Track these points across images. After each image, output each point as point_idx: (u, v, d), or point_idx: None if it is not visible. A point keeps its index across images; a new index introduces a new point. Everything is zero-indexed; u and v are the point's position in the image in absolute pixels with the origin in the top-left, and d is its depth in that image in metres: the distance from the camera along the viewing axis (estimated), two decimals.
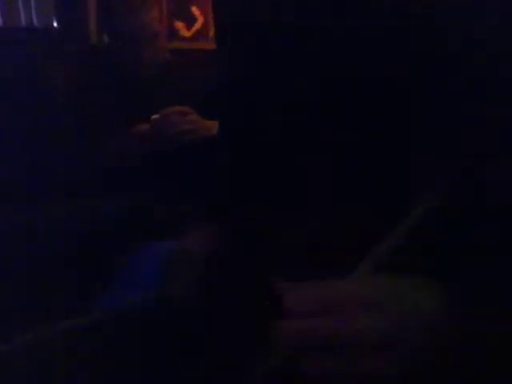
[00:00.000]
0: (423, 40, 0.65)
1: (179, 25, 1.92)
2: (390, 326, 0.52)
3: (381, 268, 0.56)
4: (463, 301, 0.55)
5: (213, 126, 1.44)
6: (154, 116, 1.45)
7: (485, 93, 0.64)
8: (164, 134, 1.40)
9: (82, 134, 1.51)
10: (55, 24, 1.98)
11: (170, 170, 1.41)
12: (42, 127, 1.50)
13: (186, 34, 1.92)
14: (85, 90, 1.57)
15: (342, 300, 0.53)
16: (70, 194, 1.34)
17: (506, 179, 0.63)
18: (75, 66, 1.62)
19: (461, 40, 0.65)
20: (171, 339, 0.90)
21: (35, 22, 2.00)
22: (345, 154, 0.70)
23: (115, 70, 1.59)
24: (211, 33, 1.93)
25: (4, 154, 1.42)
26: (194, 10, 1.92)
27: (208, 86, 1.48)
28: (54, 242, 1.23)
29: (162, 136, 1.41)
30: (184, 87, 1.54)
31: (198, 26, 1.93)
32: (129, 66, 1.57)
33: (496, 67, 0.65)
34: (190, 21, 1.92)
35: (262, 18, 0.91)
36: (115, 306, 1.05)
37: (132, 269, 1.14)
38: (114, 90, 1.56)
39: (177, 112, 1.44)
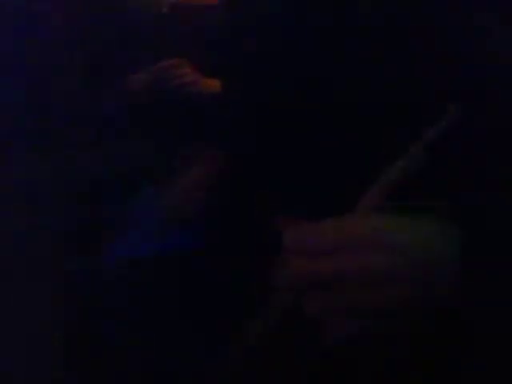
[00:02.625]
0: None
1: None
2: (391, 261, 0.50)
3: (387, 204, 0.55)
4: (476, 247, 0.52)
5: (211, 84, 1.44)
6: (149, 69, 1.46)
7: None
8: (164, 84, 1.41)
9: (83, 82, 1.51)
10: None
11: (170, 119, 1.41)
12: (44, 80, 1.50)
13: None
14: (85, 42, 1.57)
15: (343, 236, 0.52)
16: (72, 142, 1.35)
17: None
18: (77, 16, 1.61)
19: None
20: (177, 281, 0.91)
21: None
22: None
23: (115, 24, 1.59)
24: None
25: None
26: None
27: (207, 41, 1.48)
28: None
29: (161, 86, 1.41)
30: (182, 42, 1.54)
31: None
32: (128, 20, 1.57)
33: None
34: None
35: None
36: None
37: (135, 215, 1.15)
38: (114, 42, 1.56)
39: (175, 64, 1.44)
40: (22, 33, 1.47)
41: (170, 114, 1.39)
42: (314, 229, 0.53)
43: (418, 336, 0.57)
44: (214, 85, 1.41)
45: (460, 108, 0.56)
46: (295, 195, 0.71)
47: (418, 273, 0.52)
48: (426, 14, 0.68)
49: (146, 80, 1.47)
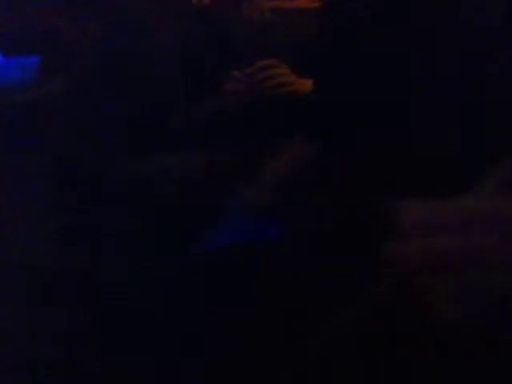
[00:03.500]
0: None
1: None
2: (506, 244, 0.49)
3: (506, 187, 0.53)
4: None
5: (306, 84, 1.48)
6: (248, 70, 1.50)
7: None
8: (259, 86, 1.45)
9: (185, 90, 1.59)
10: None
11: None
12: (147, 86, 1.58)
13: None
14: (188, 51, 1.65)
15: (460, 216, 0.51)
16: (172, 146, 1.42)
17: None
18: (178, 27, 1.70)
19: None
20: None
21: None
22: None
23: (216, 29, 1.66)
24: None
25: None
26: None
27: (305, 45, 1.52)
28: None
29: (256, 89, 1.46)
30: (282, 46, 1.59)
31: None
32: (230, 26, 1.64)
33: None
34: None
35: None
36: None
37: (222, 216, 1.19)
38: (216, 50, 1.63)
39: (269, 65, 1.48)
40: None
41: (266, 111, 1.43)
42: (439, 207, 0.52)
43: None
44: (307, 85, 1.44)
45: None
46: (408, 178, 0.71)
47: None
48: None
49: (245, 80, 1.53)
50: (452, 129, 0.70)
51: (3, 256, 1.13)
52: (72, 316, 1.01)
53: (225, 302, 0.95)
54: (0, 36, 1.71)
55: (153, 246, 1.10)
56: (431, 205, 0.52)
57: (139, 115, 1.47)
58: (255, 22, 1.65)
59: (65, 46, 1.79)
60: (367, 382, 0.65)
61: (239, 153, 1.35)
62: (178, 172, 1.35)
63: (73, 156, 1.35)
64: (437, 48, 0.78)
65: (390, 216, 0.54)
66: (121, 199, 1.22)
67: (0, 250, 1.16)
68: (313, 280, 0.85)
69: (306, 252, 0.88)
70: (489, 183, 0.54)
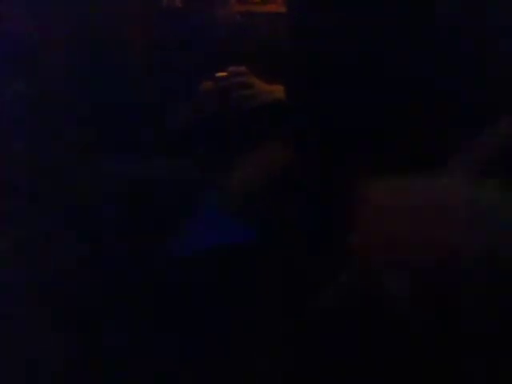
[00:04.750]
0: None
1: None
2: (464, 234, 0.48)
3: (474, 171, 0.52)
4: None
5: (274, 90, 1.48)
6: (219, 74, 1.50)
7: None
8: (226, 93, 1.45)
9: (155, 95, 1.57)
10: None
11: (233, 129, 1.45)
12: (118, 89, 1.57)
13: None
14: (159, 52, 1.64)
15: (424, 200, 0.50)
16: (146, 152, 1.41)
17: None
18: (150, 28, 1.69)
19: None
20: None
21: None
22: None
23: (186, 31, 1.65)
24: None
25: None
26: None
27: (274, 49, 1.52)
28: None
29: (224, 95, 1.46)
30: (253, 49, 1.59)
31: None
32: (201, 28, 1.63)
33: None
34: None
35: None
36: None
37: (197, 218, 1.19)
38: (187, 52, 1.62)
39: (239, 72, 1.48)
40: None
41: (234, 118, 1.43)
42: (404, 188, 0.51)
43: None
44: (277, 90, 1.44)
45: None
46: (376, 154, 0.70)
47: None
48: None
49: (213, 88, 1.53)
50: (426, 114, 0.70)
51: None
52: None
53: (198, 305, 0.95)
54: None
55: (126, 249, 1.09)
56: (398, 185, 0.52)
57: (110, 117, 1.46)
58: (226, 24, 1.65)
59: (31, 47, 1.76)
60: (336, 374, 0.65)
61: (209, 157, 1.35)
62: (148, 175, 1.34)
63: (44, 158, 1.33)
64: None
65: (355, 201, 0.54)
66: (91, 202, 1.20)
67: None
68: (282, 278, 0.85)
69: (278, 254, 0.88)
70: (458, 166, 0.53)
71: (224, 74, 1.52)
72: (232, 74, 1.51)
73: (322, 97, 0.91)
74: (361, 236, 0.54)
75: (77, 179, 1.26)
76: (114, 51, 1.58)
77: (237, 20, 1.68)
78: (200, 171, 1.33)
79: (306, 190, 0.86)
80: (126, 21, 1.64)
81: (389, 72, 0.78)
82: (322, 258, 0.75)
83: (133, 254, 1.10)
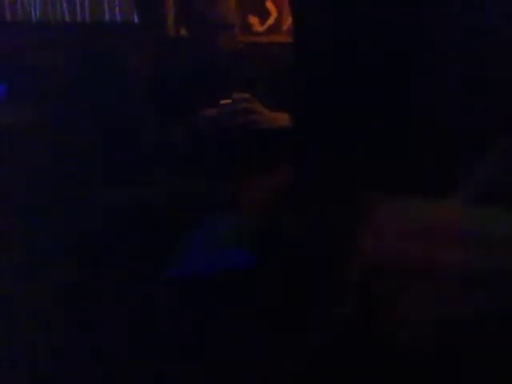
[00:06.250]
0: None
1: (253, 20, 2.00)
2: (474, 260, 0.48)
3: (476, 198, 0.52)
4: None
5: (277, 117, 1.50)
6: (223, 101, 1.52)
7: None
8: (229, 121, 1.47)
9: (157, 120, 1.59)
10: (136, 19, 2.10)
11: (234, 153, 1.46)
12: (121, 114, 1.58)
13: (260, 28, 2.00)
14: (161, 78, 1.65)
15: (426, 224, 0.50)
16: (146, 173, 1.41)
17: None
18: (153, 57, 1.71)
19: None
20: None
21: (118, 17, 2.14)
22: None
23: (191, 60, 1.67)
24: (284, 27, 1.99)
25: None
26: (269, 5, 2.00)
27: (278, 77, 1.54)
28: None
29: (227, 123, 1.47)
30: (255, 77, 1.61)
31: (271, 20, 2.00)
32: (204, 56, 1.65)
33: None
34: (263, 16, 1.99)
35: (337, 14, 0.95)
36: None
37: (194, 241, 1.18)
38: (189, 79, 1.64)
39: (244, 99, 1.50)
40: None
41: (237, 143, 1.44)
42: (403, 211, 0.51)
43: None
44: (280, 117, 1.46)
45: None
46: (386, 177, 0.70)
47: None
48: None
49: (218, 114, 1.54)
50: (428, 135, 0.71)
51: None
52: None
53: (195, 328, 0.94)
54: None
55: (126, 270, 1.09)
56: (401, 208, 0.52)
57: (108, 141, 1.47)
58: (229, 53, 1.67)
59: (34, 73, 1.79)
60: None
61: (213, 180, 1.35)
62: (148, 198, 1.34)
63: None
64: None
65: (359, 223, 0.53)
66: (88, 226, 1.20)
67: None
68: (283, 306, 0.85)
69: (279, 280, 0.87)
70: (461, 193, 0.54)
71: (228, 101, 1.53)
72: (236, 100, 1.52)
73: (326, 123, 0.91)
74: (361, 261, 0.53)
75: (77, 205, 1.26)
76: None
77: (240, 49, 1.71)
78: (201, 195, 1.33)
79: (307, 215, 0.86)
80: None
81: (390, 100, 0.79)
82: (321, 284, 0.74)
83: (132, 279, 1.10)
